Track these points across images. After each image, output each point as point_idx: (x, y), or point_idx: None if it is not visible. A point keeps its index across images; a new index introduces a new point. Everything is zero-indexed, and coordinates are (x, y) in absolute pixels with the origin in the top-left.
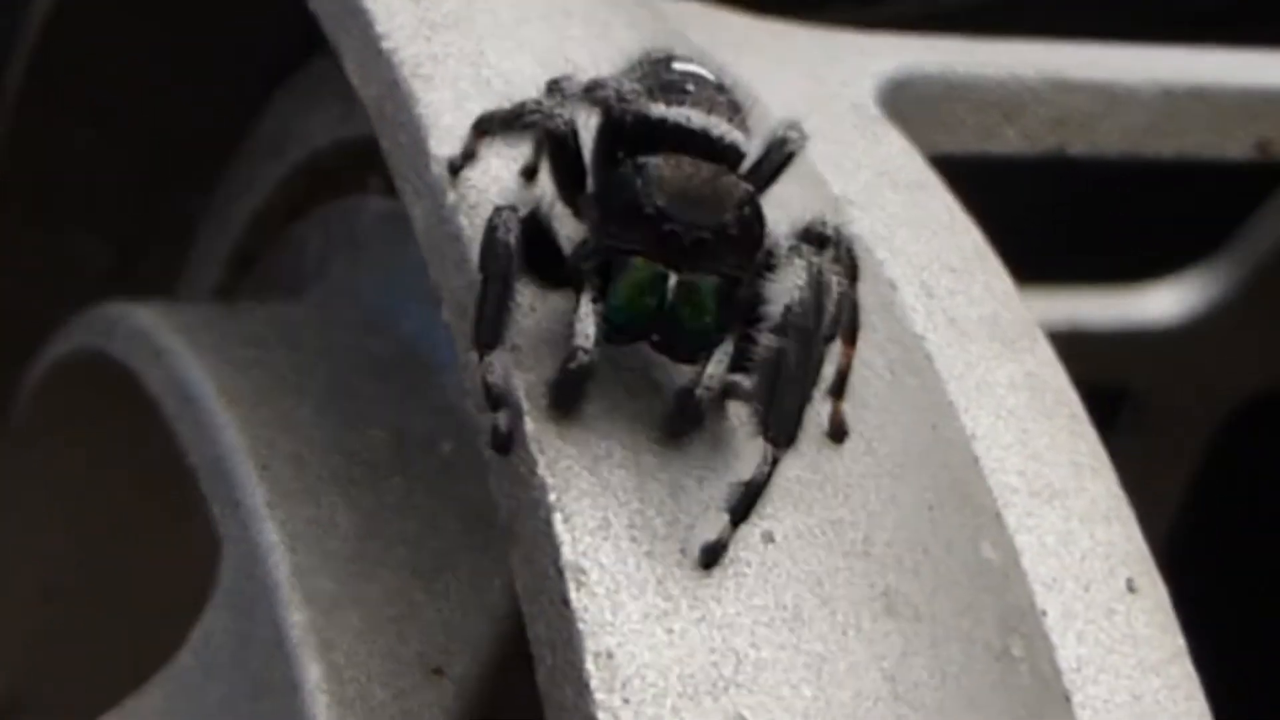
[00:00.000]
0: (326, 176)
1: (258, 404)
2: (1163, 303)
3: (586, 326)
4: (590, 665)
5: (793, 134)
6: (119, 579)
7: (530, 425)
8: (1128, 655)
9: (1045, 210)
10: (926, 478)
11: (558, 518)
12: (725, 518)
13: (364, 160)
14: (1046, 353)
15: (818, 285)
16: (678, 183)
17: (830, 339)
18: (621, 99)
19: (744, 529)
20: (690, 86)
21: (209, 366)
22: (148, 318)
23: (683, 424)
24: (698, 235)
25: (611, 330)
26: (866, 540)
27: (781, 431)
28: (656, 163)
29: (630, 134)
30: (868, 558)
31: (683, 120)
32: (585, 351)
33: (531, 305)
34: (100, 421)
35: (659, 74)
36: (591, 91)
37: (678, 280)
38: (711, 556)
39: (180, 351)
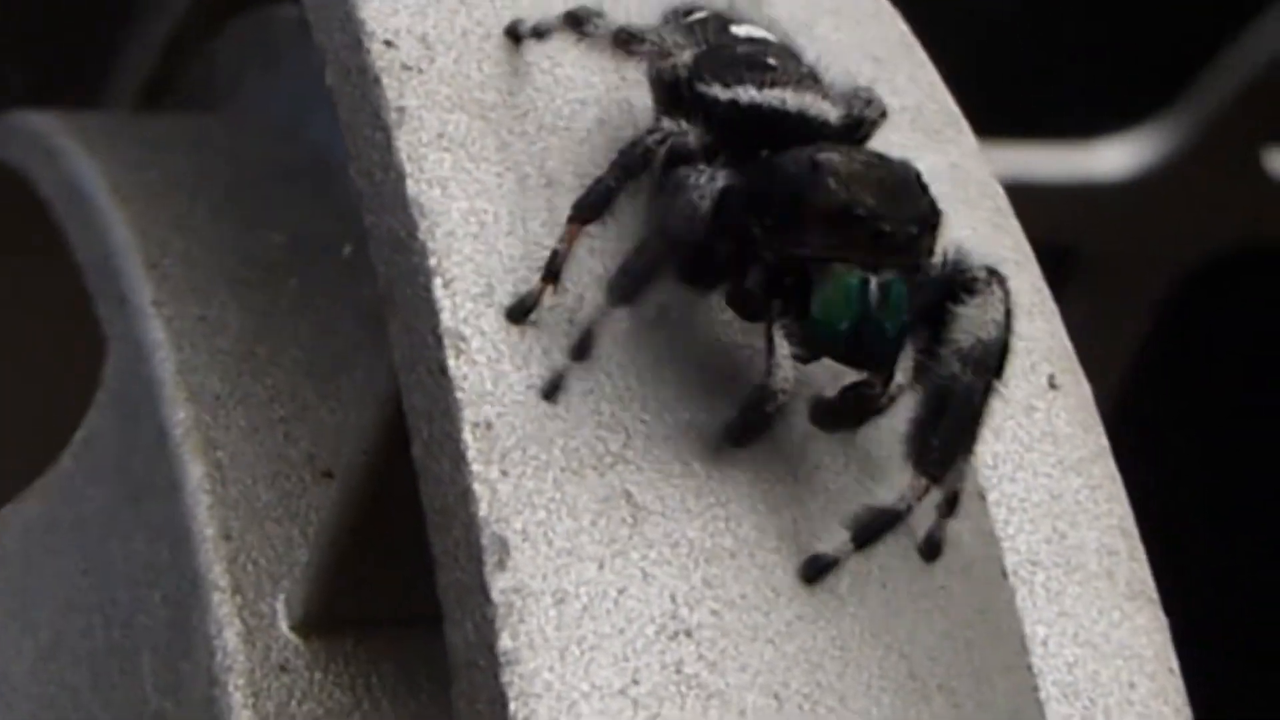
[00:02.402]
0: None
1: (151, 203)
2: (1113, 158)
3: (785, 370)
4: (468, 435)
5: (872, 99)
6: (11, 379)
7: (410, 186)
8: (1047, 453)
9: (997, 64)
10: None
11: (438, 283)
12: (846, 535)
13: None
14: (971, 144)
15: (1009, 323)
16: (869, 176)
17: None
18: (719, 81)
19: (627, 311)
20: (772, 60)
21: (103, 166)
22: (44, 122)
23: (846, 423)
24: (908, 231)
25: (809, 346)
26: None
27: (939, 467)
28: (836, 158)
29: (718, 124)
30: None
31: (780, 105)
32: (785, 393)
33: None
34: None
35: (720, 41)
36: (678, 79)
37: (879, 283)
38: (818, 572)
39: (73, 152)
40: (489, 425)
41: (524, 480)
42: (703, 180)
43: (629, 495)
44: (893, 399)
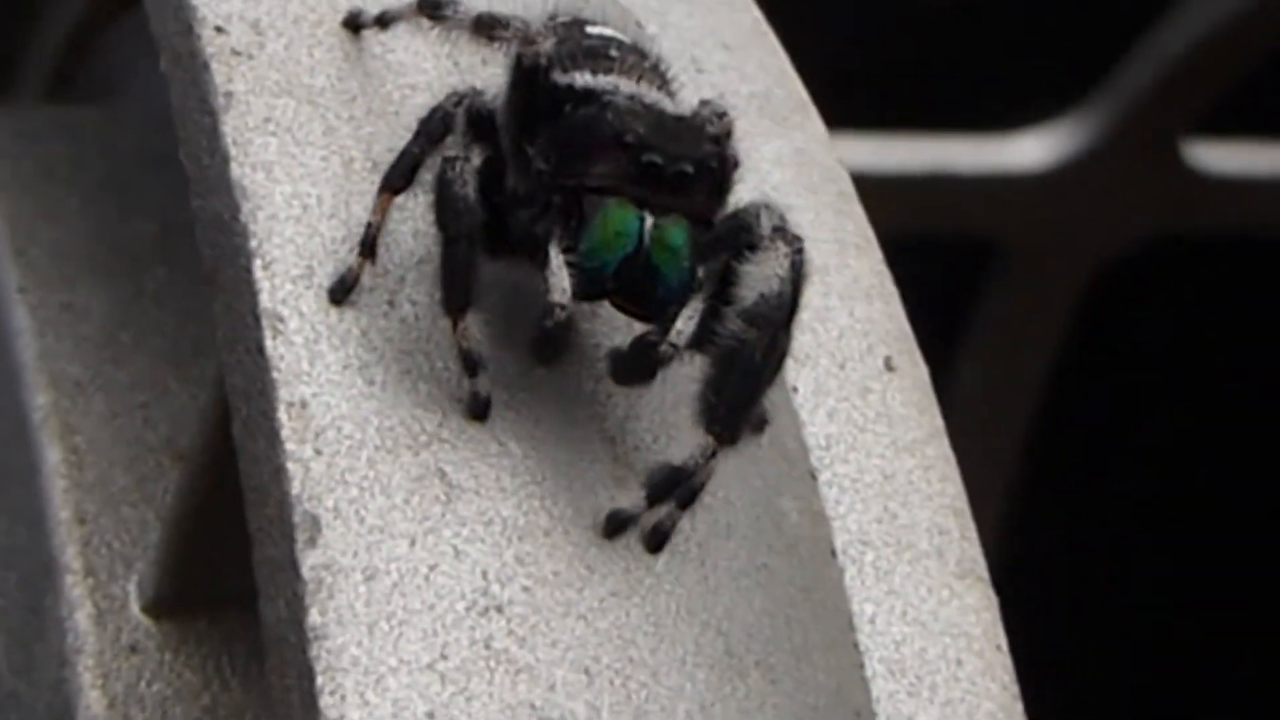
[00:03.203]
0: None
1: (23, 193)
2: (1030, 150)
3: (561, 280)
4: (282, 415)
5: (721, 114)
6: None
7: (235, 170)
8: (881, 434)
9: (916, 56)
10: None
11: (258, 264)
12: (641, 493)
13: None
14: (818, 129)
15: (797, 279)
16: (653, 114)
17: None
18: (558, 60)
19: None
20: (613, 52)
21: None
22: None
23: (637, 376)
24: (679, 168)
25: (583, 280)
26: None
27: (727, 427)
28: (625, 96)
29: (553, 103)
30: (596, 318)
31: (612, 90)
32: (562, 308)
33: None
34: None
35: (576, 39)
36: (531, 45)
37: (654, 222)
38: (616, 528)
39: None
40: (304, 404)
41: (337, 458)
42: (459, 168)
43: (443, 474)
44: (677, 349)
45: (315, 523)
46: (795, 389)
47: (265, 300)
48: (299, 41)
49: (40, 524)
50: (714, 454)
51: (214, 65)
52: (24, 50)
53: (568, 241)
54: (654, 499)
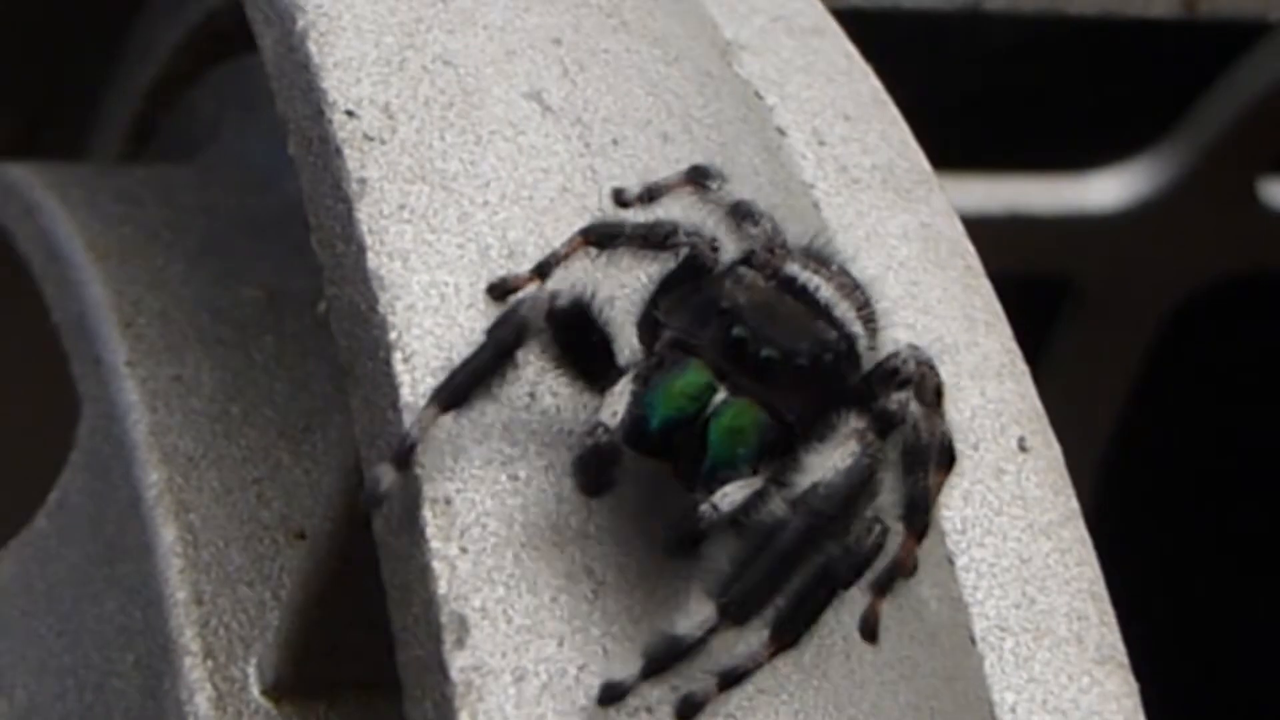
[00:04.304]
0: (222, 39)
1: (126, 260)
2: (1106, 191)
3: (615, 403)
4: (427, 512)
5: (911, 358)
6: None
7: (371, 259)
8: (1016, 517)
9: (993, 97)
10: None
11: (397, 357)
12: (639, 664)
13: None
14: (942, 203)
15: (860, 478)
16: (770, 301)
17: (879, 545)
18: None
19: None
20: (835, 266)
21: (79, 222)
22: (21, 175)
23: (679, 547)
24: (766, 352)
25: (630, 425)
26: None
27: (738, 608)
28: (755, 276)
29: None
30: None
31: (812, 287)
32: (605, 429)
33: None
34: None
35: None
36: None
37: (725, 397)
38: (611, 696)
39: (50, 207)
40: (448, 501)
41: (483, 556)
42: (537, 297)
43: (590, 570)
44: (716, 511)
45: (463, 623)
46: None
47: (406, 394)
48: (430, 125)
49: (157, 604)
50: (714, 630)
51: (346, 151)
52: (104, 101)
53: (642, 383)
54: (650, 671)
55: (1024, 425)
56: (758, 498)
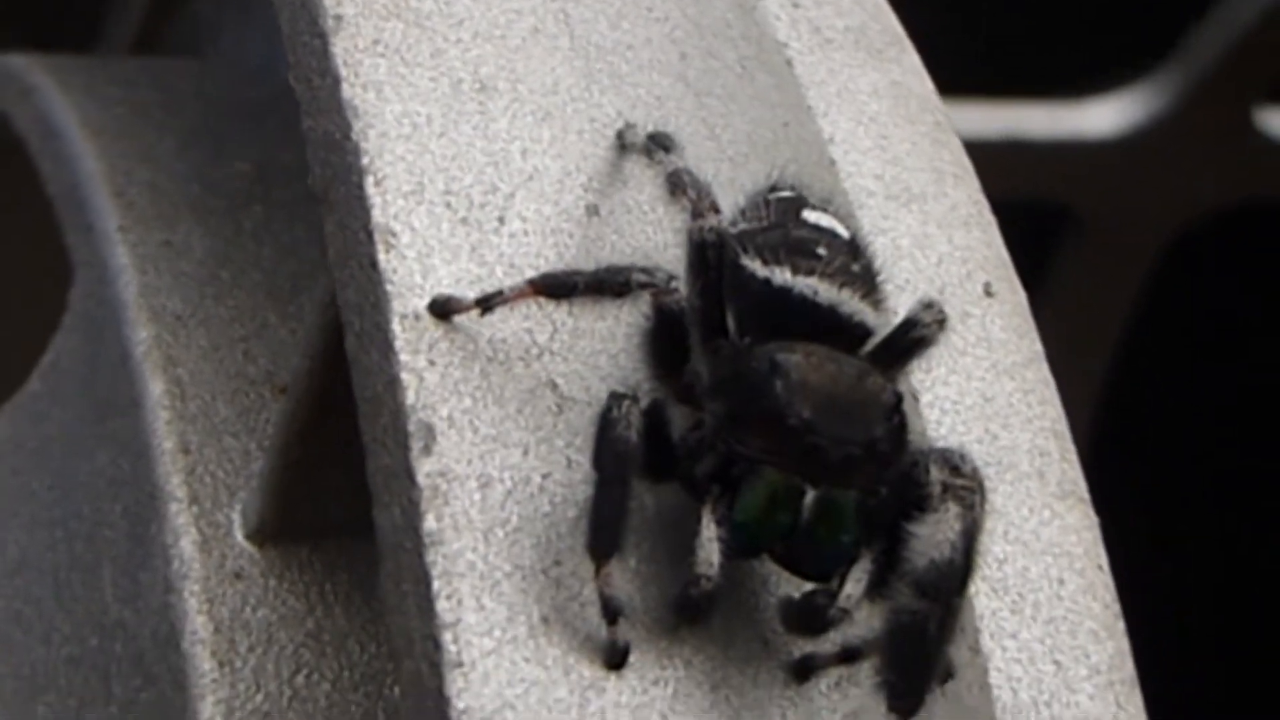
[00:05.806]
0: None
1: (119, 136)
2: (1105, 116)
3: (710, 553)
4: (396, 327)
5: (926, 317)
6: None
7: (346, 90)
8: (981, 358)
9: (990, 23)
10: (770, 168)
11: (369, 181)
12: None
13: None
14: (914, 62)
15: (970, 544)
16: (823, 388)
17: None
18: (745, 255)
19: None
20: (822, 250)
21: (74, 103)
22: (19, 62)
23: (808, 631)
24: (847, 451)
25: (735, 545)
26: None
27: (910, 702)
28: (795, 361)
29: (747, 299)
30: None
31: (810, 294)
32: (708, 579)
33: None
34: None
35: (787, 225)
36: (706, 241)
37: (815, 497)
38: None
39: (47, 89)
40: (417, 316)
41: (451, 369)
42: (624, 409)
43: (554, 385)
44: (846, 612)
45: (430, 431)
46: (896, 314)
47: (378, 215)
48: None
49: (144, 455)
50: None
51: None
52: (109, 11)
53: (724, 505)
54: None
55: (989, 271)
56: (880, 579)
